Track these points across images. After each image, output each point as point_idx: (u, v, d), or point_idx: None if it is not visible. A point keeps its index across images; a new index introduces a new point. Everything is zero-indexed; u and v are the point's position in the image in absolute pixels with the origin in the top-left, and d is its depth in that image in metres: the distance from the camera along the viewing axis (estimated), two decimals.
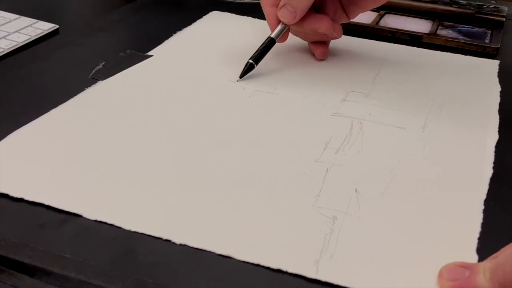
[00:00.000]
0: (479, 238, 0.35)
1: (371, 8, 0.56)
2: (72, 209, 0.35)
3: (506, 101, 0.50)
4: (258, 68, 0.52)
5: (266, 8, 0.53)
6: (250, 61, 0.52)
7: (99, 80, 0.50)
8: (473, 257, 0.33)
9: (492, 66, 0.57)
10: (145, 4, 0.69)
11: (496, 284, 0.29)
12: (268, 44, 0.52)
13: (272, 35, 0.52)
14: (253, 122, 0.46)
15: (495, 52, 0.60)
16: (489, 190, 0.39)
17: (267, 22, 0.53)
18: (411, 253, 0.34)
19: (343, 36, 0.55)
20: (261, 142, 0.43)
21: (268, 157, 0.41)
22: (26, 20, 0.60)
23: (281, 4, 0.51)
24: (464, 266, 0.31)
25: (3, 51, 0.54)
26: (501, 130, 0.46)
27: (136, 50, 0.56)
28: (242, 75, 0.51)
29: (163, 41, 0.58)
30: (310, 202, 0.37)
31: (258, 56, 0.52)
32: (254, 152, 0.42)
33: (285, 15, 0.50)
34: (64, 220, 0.35)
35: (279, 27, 0.52)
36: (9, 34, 0.57)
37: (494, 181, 0.40)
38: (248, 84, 0.51)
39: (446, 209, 0.37)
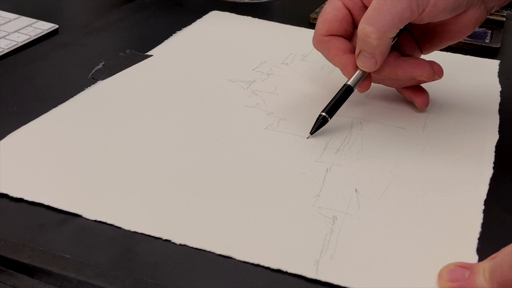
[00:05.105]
0: (479, 238, 0.35)
1: (447, 46, 0.48)
2: (72, 209, 0.35)
3: (506, 101, 0.50)
4: (258, 70, 0.51)
5: (337, 59, 0.45)
6: (323, 114, 0.44)
7: (99, 80, 0.50)
8: (473, 257, 0.33)
9: (492, 66, 0.57)
10: (145, 4, 0.68)
11: (495, 284, 0.29)
12: (345, 93, 0.44)
13: (349, 82, 0.44)
14: (253, 122, 0.46)
15: (495, 52, 0.60)
16: (489, 190, 0.39)
17: (343, 73, 0.46)
18: (411, 253, 0.34)
19: None
20: (261, 142, 0.43)
21: (268, 157, 0.41)
22: (25, 20, 0.60)
23: (356, 51, 0.44)
24: (464, 266, 0.31)
25: (3, 51, 0.54)
26: (501, 130, 0.46)
27: (136, 50, 0.56)
28: (313, 131, 0.44)
29: (163, 41, 0.58)
30: (310, 202, 0.37)
31: (333, 107, 0.44)
32: (254, 152, 0.42)
33: (365, 63, 0.43)
34: (64, 220, 0.35)
35: (357, 73, 0.44)
36: (8, 34, 0.57)
37: (494, 181, 0.40)
38: (248, 85, 0.51)
39: (446, 209, 0.37)
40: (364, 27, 0.41)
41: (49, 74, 0.51)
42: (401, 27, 0.42)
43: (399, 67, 0.45)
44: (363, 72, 0.44)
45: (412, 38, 0.47)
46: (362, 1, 0.45)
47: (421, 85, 0.48)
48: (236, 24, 0.64)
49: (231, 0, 0.71)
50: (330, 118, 0.44)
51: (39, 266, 0.31)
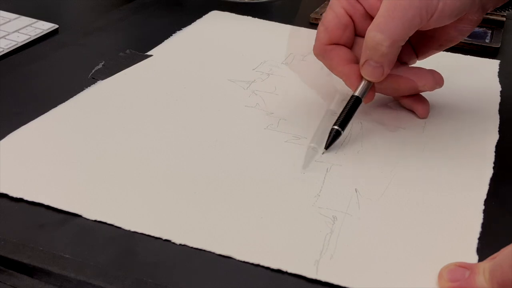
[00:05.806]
0: (479, 238, 0.35)
1: (443, 49, 0.47)
2: (72, 209, 0.35)
3: (506, 101, 0.50)
4: (258, 70, 0.51)
5: (340, 68, 0.44)
6: (336, 127, 0.42)
7: (98, 80, 0.50)
8: (473, 257, 0.33)
9: (492, 66, 0.57)
10: (145, 4, 0.68)
11: (495, 284, 0.29)
12: (354, 104, 0.43)
13: (357, 93, 0.43)
14: (253, 122, 0.46)
15: (495, 52, 0.60)
16: (489, 190, 0.39)
17: (346, 83, 0.44)
18: (411, 253, 0.34)
19: None
20: (261, 142, 0.43)
21: (268, 157, 0.41)
22: (25, 20, 0.60)
23: (362, 61, 0.42)
24: (464, 266, 0.31)
25: (3, 51, 0.54)
26: (501, 130, 0.46)
27: (136, 50, 0.56)
28: (327, 146, 0.42)
29: (163, 41, 0.58)
30: (310, 202, 0.37)
31: (344, 120, 0.43)
32: (254, 152, 0.42)
33: (371, 73, 0.42)
34: (64, 220, 0.35)
35: (363, 83, 0.43)
36: (8, 34, 0.57)
37: (494, 181, 0.40)
38: (248, 85, 0.51)
39: (446, 209, 0.37)
40: (375, 35, 0.40)
41: (49, 74, 0.51)
42: (411, 34, 0.41)
43: (402, 77, 0.44)
44: (369, 82, 0.43)
45: (409, 44, 0.46)
46: (364, 8, 0.44)
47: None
48: (236, 24, 0.64)
49: (231, 0, 0.71)
50: (343, 131, 0.43)
51: (39, 266, 0.31)
